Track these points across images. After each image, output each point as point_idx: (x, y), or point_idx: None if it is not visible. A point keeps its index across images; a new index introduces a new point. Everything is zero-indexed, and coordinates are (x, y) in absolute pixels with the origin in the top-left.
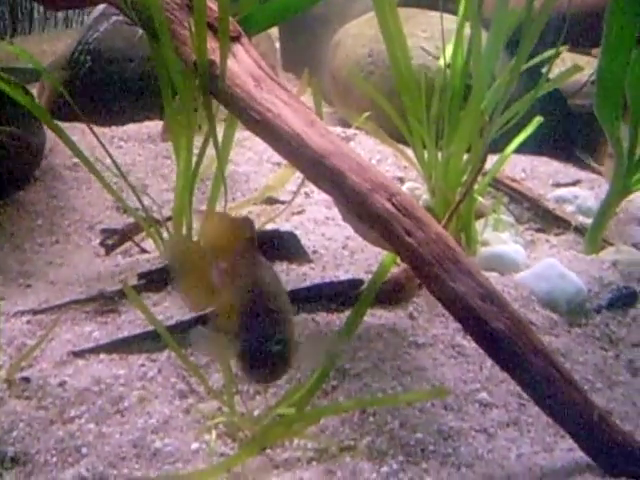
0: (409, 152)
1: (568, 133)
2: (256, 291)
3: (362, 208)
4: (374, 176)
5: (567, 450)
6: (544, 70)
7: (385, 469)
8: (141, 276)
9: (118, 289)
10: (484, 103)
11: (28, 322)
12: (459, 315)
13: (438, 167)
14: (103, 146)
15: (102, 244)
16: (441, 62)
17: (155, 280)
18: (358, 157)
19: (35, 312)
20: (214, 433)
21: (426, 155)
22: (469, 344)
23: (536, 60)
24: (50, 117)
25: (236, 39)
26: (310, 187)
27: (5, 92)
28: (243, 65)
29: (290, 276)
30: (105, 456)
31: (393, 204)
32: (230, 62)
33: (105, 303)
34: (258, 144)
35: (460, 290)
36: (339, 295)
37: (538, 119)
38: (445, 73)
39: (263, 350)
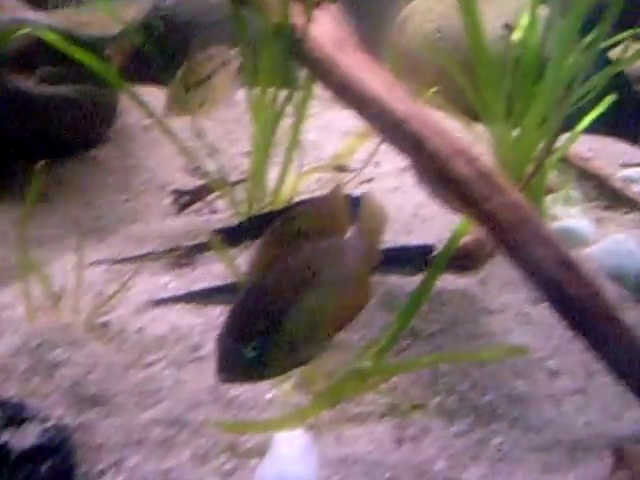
0: (477, 127)
1: (629, 118)
2: (264, 282)
3: (441, 172)
4: (453, 141)
5: (635, 420)
6: (614, 51)
7: (455, 428)
8: (217, 233)
9: (194, 244)
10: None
11: (106, 271)
12: (537, 281)
13: (509, 142)
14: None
15: (174, 203)
16: (515, 36)
17: (229, 237)
18: (438, 122)
19: (113, 262)
20: (289, 384)
21: (497, 130)
22: (538, 312)
23: (612, 40)
24: (123, 82)
25: (318, 3)
26: (380, 157)
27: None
28: (325, 29)
29: None
30: (182, 401)
31: (472, 169)
32: (312, 26)
33: (181, 256)
34: (326, 113)
35: (538, 256)
36: (410, 260)
37: (610, 97)
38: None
39: (233, 352)
